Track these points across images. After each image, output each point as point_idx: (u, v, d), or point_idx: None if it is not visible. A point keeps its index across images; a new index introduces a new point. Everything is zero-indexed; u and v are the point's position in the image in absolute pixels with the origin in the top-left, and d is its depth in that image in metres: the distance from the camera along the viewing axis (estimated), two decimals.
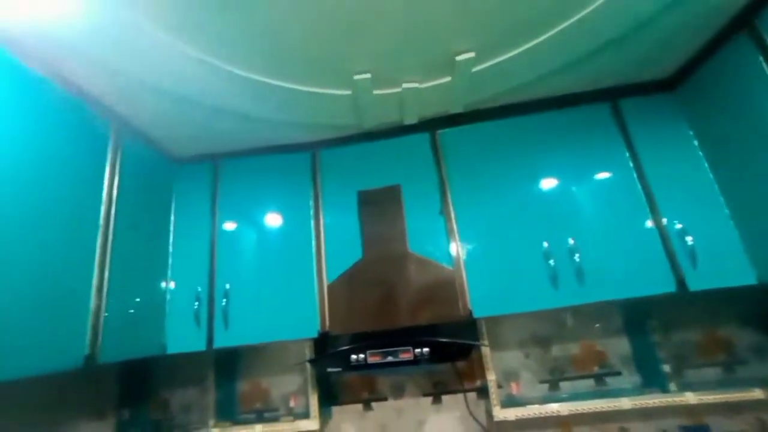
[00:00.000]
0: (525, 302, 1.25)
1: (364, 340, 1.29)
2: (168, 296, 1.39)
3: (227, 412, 1.61)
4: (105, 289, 1.08)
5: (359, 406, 1.64)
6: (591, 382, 1.54)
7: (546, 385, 1.56)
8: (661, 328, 1.47)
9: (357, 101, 1.27)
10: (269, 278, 1.39)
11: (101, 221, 1.10)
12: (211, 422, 1.53)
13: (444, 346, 1.25)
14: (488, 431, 1.53)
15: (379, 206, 1.41)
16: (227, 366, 1.69)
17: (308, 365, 1.51)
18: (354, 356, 1.27)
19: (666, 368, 1.40)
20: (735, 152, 1.20)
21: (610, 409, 1.30)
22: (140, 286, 1.26)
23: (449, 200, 1.40)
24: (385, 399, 1.64)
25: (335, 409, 1.64)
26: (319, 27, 0.96)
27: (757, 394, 1.26)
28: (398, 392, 1.63)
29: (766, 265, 1.15)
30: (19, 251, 0.85)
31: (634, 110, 1.39)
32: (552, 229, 1.30)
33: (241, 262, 1.42)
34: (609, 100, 1.43)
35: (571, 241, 1.26)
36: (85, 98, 1.12)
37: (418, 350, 1.25)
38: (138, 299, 1.24)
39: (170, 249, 1.44)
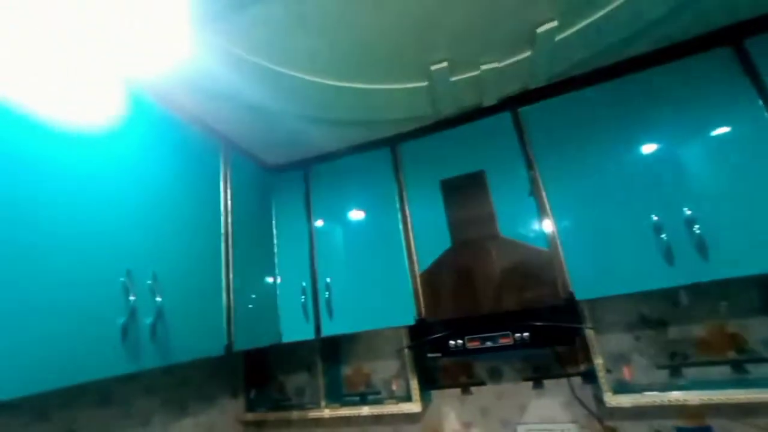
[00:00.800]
0: (635, 282, 1.15)
1: (461, 326, 1.31)
2: (278, 291, 1.56)
3: (335, 394, 1.76)
4: (231, 289, 1.26)
5: (457, 391, 1.67)
6: (726, 368, 1.36)
7: (665, 371, 1.42)
8: None
9: (434, 91, 1.28)
10: (365, 270, 1.48)
11: (222, 230, 1.28)
12: (323, 403, 1.69)
13: (545, 330, 1.21)
14: (598, 417, 1.46)
15: (463, 193, 1.41)
16: (332, 352, 1.84)
17: (407, 351, 1.58)
18: (452, 342, 1.30)
19: None
20: None
21: (757, 401, 1.14)
22: (256, 284, 1.44)
23: (539, 180, 1.33)
24: (483, 383, 1.64)
25: (434, 393, 1.69)
26: (396, 24, 0.98)
27: None
28: (496, 377, 1.63)
29: None
30: (176, 260, 1.04)
31: (761, 47, 1.17)
32: (661, 200, 1.16)
33: (338, 257, 1.53)
34: (730, 43, 1.22)
35: (687, 212, 1.12)
36: (199, 125, 1.30)
37: (518, 335, 1.23)
38: (255, 296, 1.41)
39: (275, 249, 1.61)
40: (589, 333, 1.37)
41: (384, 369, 1.80)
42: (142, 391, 1.35)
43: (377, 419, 1.76)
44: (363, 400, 1.72)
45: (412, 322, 1.37)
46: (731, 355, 1.36)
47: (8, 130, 0.72)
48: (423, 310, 1.37)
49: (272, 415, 1.77)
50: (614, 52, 1.25)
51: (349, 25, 0.95)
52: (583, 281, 1.21)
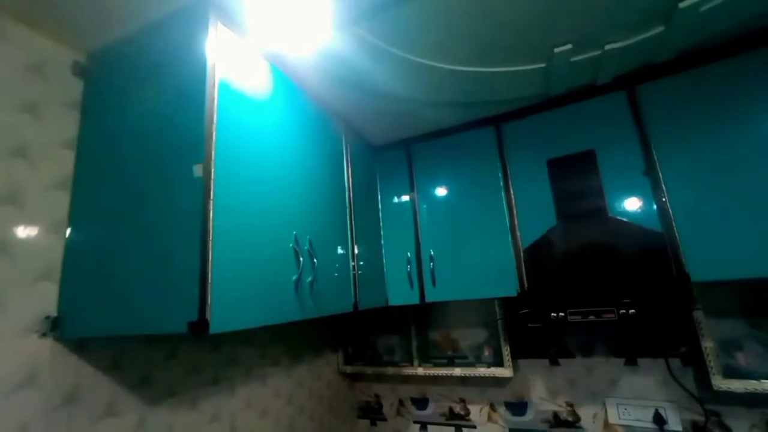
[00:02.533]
0: (758, 267, 1.12)
1: (563, 300, 1.37)
2: (384, 261, 1.72)
3: (424, 356, 1.93)
4: (356, 256, 1.44)
5: (545, 361, 1.76)
6: None
7: None
8: None
9: (550, 71, 1.29)
10: (468, 244, 1.58)
11: (347, 203, 1.45)
12: (416, 362, 1.87)
13: (653, 309, 1.23)
14: (699, 400, 1.47)
15: (571, 173, 1.43)
16: (423, 318, 2.00)
17: (499, 322, 1.69)
18: (554, 314, 1.37)
19: None
20: None
21: None
22: (369, 253, 1.61)
23: (654, 159, 1.31)
24: (573, 356, 1.71)
25: (522, 362, 1.79)
26: (528, 7, 1.01)
27: None
28: (586, 351, 1.68)
29: None
30: (321, 229, 1.22)
31: None
32: None
33: (440, 231, 1.65)
34: None
35: None
36: (325, 106, 1.45)
37: (623, 311, 1.27)
38: (370, 263, 1.58)
39: (380, 223, 1.77)
40: (698, 315, 1.37)
41: (471, 336, 1.93)
42: (272, 338, 1.61)
43: (465, 381, 1.91)
44: (451, 363, 1.87)
45: (514, 294, 1.46)
46: None
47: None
48: (525, 282, 1.44)
49: (369, 369, 1.99)
50: (754, 21, 1.17)
51: (486, 11, 1.00)
52: (699, 263, 1.20)
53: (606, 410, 1.62)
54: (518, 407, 1.79)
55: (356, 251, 1.44)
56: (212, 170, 0.80)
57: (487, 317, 1.90)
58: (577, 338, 1.71)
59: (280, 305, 0.98)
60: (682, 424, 1.49)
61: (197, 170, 0.78)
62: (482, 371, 1.70)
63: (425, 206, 1.71)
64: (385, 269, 1.72)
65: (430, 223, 1.68)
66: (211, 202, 0.78)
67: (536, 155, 1.51)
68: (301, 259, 1.06)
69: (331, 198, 1.35)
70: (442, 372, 1.78)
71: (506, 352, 1.67)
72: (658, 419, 1.52)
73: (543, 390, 1.75)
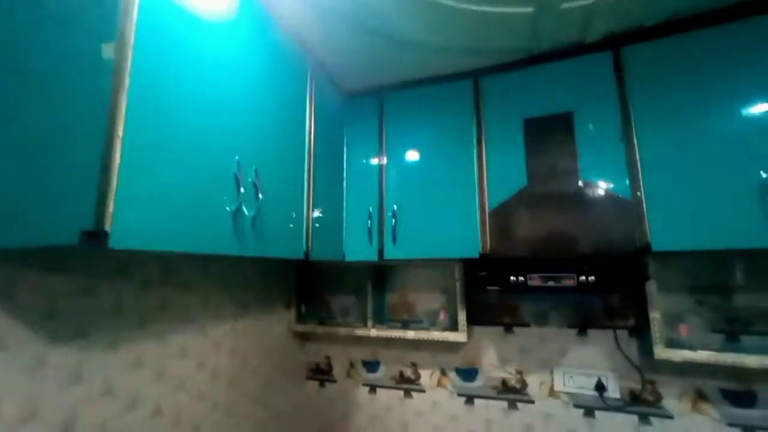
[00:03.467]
0: (724, 237, 1.12)
1: (524, 265, 1.33)
2: (345, 214, 1.62)
3: (379, 318, 1.87)
4: (312, 202, 1.32)
5: (500, 329, 1.75)
6: None
7: (721, 336, 1.43)
8: None
9: (537, 19, 1.20)
10: (433, 202, 1.50)
11: (306, 146, 1.31)
12: (370, 323, 1.81)
13: (612, 276, 1.22)
14: (639, 369, 1.51)
15: (547, 134, 1.37)
16: (379, 279, 1.93)
17: (458, 284, 1.64)
18: (513, 278, 1.33)
19: None
20: None
21: None
22: (328, 203, 1.49)
23: (632, 125, 1.27)
24: (527, 325, 1.71)
25: (476, 329, 1.77)
26: None
27: None
28: (540, 320, 1.68)
29: None
30: (272, 164, 1.08)
31: None
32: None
33: (407, 186, 1.55)
34: None
35: None
36: (294, 37, 1.29)
37: (582, 277, 1.25)
38: (327, 214, 1.47)
39: (344, 174, 1.64)
40: (650, 286, 1.38)
41: (428, 301, 1.89)
42: (218, 286, 1.48)
43: (418, 345, 1.88)
44: (405, 327, 1.83)
45: (476, 255, 1.40)
46: None
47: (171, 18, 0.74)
48: (488, 245, 1.39)
49: (321, 329, 1.92)
50: None
51: None
52: (662, 234, 1.19)
53: (553, 378, 1.64)
54: (468, 373, 1.78)
55: (312, 197, 1.32)
56: (129, 54, 0.65)
57: (446, 282, 1.86)
58: (533, 307, 1.70)
59: (213, 235, 0.85)
60: (620, 391, 1.53)
61: (107, 50, 0.62)
62: (436, 335, 1.66)
63: (393, 160, 1.60)
64: (344, 223, 1.62)
65: (396, 178, 1.58)
66: (125, 91, 0.63)
67: (513, 113, 1.44)
68: (242, 189, 0.93)
69: (288, 134, 1.21)
70: (395, 334, 1.73)
71: (462, 317, 1.63)
72: (600, 387, 1.55)
73: (494, 357, 1.75)
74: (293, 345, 2.00)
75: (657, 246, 1.19)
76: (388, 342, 1.94)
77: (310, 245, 1.28)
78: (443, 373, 1.83)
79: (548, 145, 1.36)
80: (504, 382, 1.72)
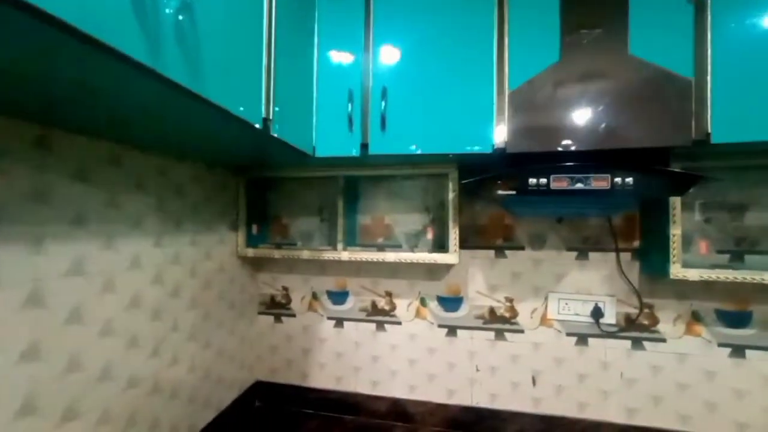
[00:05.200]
0: None
1: (546, 163, 1.06)
2: (316, 93, 1.20)
3: (348, 241, 1.56)
4: (273, 56, 0.89)
5: (491, 253, 1.53)
6: None
7: (726, 256, 1.32)
8: None
9: None
10: (437, 80, 1.14)
11: None
12: (341, 245, 1.49)
13: (656, 175, 0.99)
14: (638, 292, 1.38)
15: None
16: (350, 197, 1.59)
17: (451, 195, 1.36)
18: (534, 179, 1.06)
19: None
20: None
21: None
22: (294, 72, 1.07)
23: None
24: (522, 248, 1.50)
25: (464, 252, 1.54)
26: None
27: None
28: (538, 243, 1.48)
29: None
30: None
31: None
32: None
33: (401, 58, 1.17)
34: None
35: None
36: None
37: (618, 179, 1.00)
38: (292, 88, 1.05)
39: (315, 38, 1.21)
40: (674, 200, 1.19)
41: (409, 222, 1.61)
42: (133, 185, 1.04)
43: (394, 272, 1.62)
44: (380, 250, 1.54)
45: (489, 149, 1.10)
46: None
47: None
48: (506, 137, 1.09)
49: (278, 253, 1.56)
50: None
51: None
52: (725, 123, 0.96)
53: (547, 305, 1.47)
54: (452, 302, 1.57)
55: (274, 50, 0.90)
56: None
57: (429, 200, 1.57)
58: (531, 228, 1.48)
59: (103, 18, 0.43)
60: (616, 317, 1.40)
61: None
62: (421, 257, 1.39)
63: (385, 20, 1.18)
64: (314, 105, 1.21)
65: (388, 48, 1.18)
66: None
67: None
68: None
69: None
70: (371, 257, 1.43)
71: (454, 235, 1.37)
72: (597, 313, 1.42)
73: (483, 284, 1.54)
74: (242, 273, 1.63)
75: (718, 137, 0.96)
76: (358, 269, 1.65)
77: (271, 112, 0.88)
78: (422, 303, 1.60)
79: (591, 6, 1.04)
80: (492, 311, 1.53)
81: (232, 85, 0.74)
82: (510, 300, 1.51)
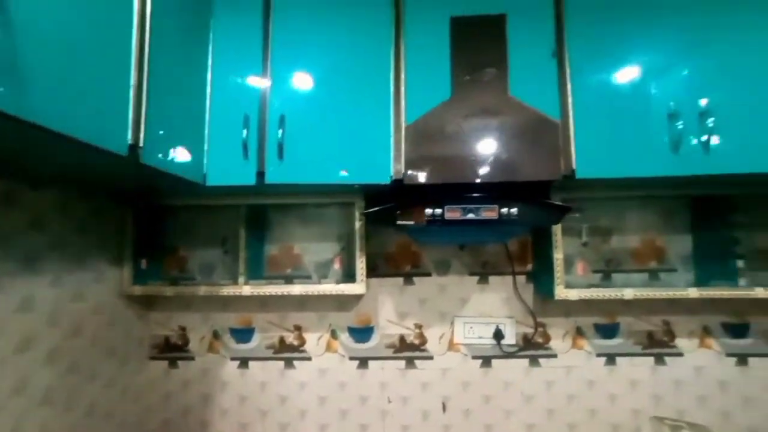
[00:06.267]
0: (638, 167, 1.09)
1: (441, 195, 1.11)
2: (209, 117, 1.13)
3: (254, 274, 1.46)
4: (145, 72, 0.81)
5: (400, 280, 1.55)
6: (644, 276, 1.48)
7: (599, 276, 1.50)
8: (744, 225, 1.40)
9: None
10: (335, 111, 1.14)
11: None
12: (242, 279, 1.39)
13: (536, 207, 1.09)
14: (533, 313, 1.49)
15: (477, 38, 1.14)
16: (256, 226, 1.51)
17: (358, 224, 1.35)
18: (429, 210, 1.10)
19: (739, 264, 1.35)
20: None
21: (667, 297, 1.25)
22: (180, 93, 0.99)
23: (564, 41, 1.14)
24: (428, 275, 1.54)
25: (373, 281, 1.54)
26: None
27: None
28: (443, 269, 1.54)
29: None
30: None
31: None
32: (682, 86, 1.09)
33: (301, 87, 1.15)
34: None
35: (703, 103, 1.07)
36: None
37: (504, 209, 1.09)
38: (177, 110, 0.97)
39: (209, 60, 1.14)
40: (556, 227, 1.33)
41: (320, 251, 1.56)
42: None
43: (303, 304, 1.55)
44: (288, 282, 1.48)
45: (387, 180, 1.12)
46: (652, 265, 1.48)
47: None
48: (402, 169, 1.12)
49: (170, 290, 1.40)
50: None
51: None
52: (587, 160, 1.10)
53: (453, 330, 1.51)
54: (363, 333, 1.54)
55: (148, 68, 0.82)
56: None
57: (341, 228, 1.56)
58: (436, 254, 1.54)
59: None
60: (515, 337, 1.49)
61: None
62: (328, 289, 1.35)
63: (284, 49, 1.17)
64: (206, 129, 1.13)
65: (287, 74, 1.16)
66: None
67: (439, 9, 1.17)
68: None
69: None
70: (276, 291, 1.35)
71: (361, 264, 1.35)
72: (498, 335, 1.49)
73: (392, 312, 1.54)
74: (125, 315, 1.43)
75: (582, 173, 1.10)
76: (265, 303, 1.55)
77: (141, 138, 0.79)
78: (333, 335, 1.54)
79: (477, 52, 1.14)
80: (402, 339, 1.53)
81: (81, 106, 0.65)
82: (419, 326, 1.53)
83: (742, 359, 1.44)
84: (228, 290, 1.37)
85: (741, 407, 1.42)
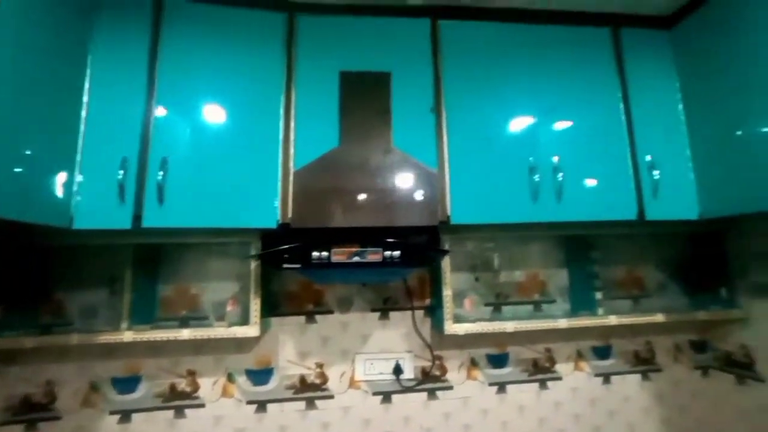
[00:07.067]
0: (504, 213, 1.22)
1: (328, 238, 1.15)
2: (81, 157, 1.06)
3: (144, 317, 1.37)
4: None
5: (302, 318, 1.54)
6: (529, 307, 1.63)
7: (490, 308, 1.62)
8: (600, 261, 1.61)
9: None
10: (222, 154, 1.14)
11: None
12: (124, 325, 1.29)
13: (415, 250, 1.17)
14: (431, 346, 1.56)
15: (364, 92, 1.23)
16: (148, 265, 1.43)
17: (252, 266, 1.34)
18: (316, 253, 1.13)
19: (598, 295, 1.54)
20: (706, 99, 1.28)
21: (545, 328, 1.40)
22: (43, 129, 0.93)
23: (442, 98, 1.27)
24: (331, 312, 1.55)
25: (274, 320, 1.51)
26: None
27: (658, 317, 1.45)
28: (345, 306, 1.56)
29: (707, 203, 1.28)
30: None
31: (631, 41, 1.39)
32: (539, 144, 1.27)
33: (186, 130, 1.14)
34: (611, 24, 1.40)
35: (555, 159, 1.25)
36: None
37: (388, 252, 1.15)
38: (36, 144, 0.91)
39: (86, 98, 1.09)
40: (444, 265, 1.42)
41: (219, 291, 1.51)
42: None
43: (198, 348, 1.47)
44: (184, 325, 1.40)
45: (273, 225, 1.14)
46: (536, 296, 1.65)
47: None
48: (289, 213, 1.15)
49: (32, 341, 1.25)
50: None
51: None
52: (461, 207, 1.22)
53: (354, 367, 1.53)
54: (261, 375, 1.49)
55: None
56: None
57: (244, 266, 1.52)
58: (338, 292, 1.56)
59: None
60: (414, 371, 1.55)
61: None
62: (220, 332, 1.30)
63: (171, 87, 1.15)
64: (76, 170, 1.06)
65: (173, 115, 1.14)
66: None
67: (330, 62, 1.25)
68: None
69: None
70: (162, 336, 1.27)
71: (255, 306, 1.33)
72: (397, 370, 1.53)
73: (293, 352, 1.52)
74: None
75: (456, 219, 1.20)
76: (156, 348, 1.45)
77: None
78: (230, 379, 1.47)
79: (364, 105, 1.22)
80: (302, 379, 1.51)
81: None
82: (320, 365, 1.52)
83: (606, 378, 1.62)
84: (106, 338, 1.26)
85: (607, 421, 1.59)
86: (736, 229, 1.54)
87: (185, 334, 1.28)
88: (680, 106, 1.37)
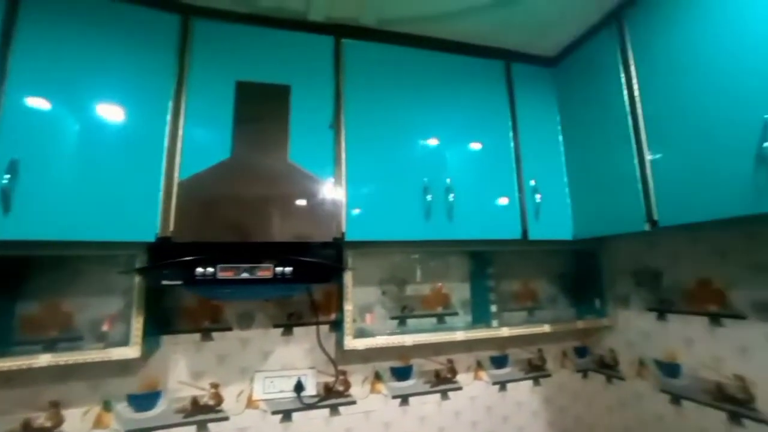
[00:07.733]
0: (398, 231, 1.26)
1: (216, 253, 1.09)
2: None
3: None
4: None
5: (197, 336, 1.44)
6: (434, 320, 1.70)
7: (396, 321, 1.65)
8: (496, 276, 1.72)
9: None
10: (95, 158, 1.03)
11: None
12: None
13: (309, 266, 1.15)
14: (334, 361, 1.55)
15: (261, 105, 1.20)
16: (4, 280, 1.24)
17: (136, 279, 1.23)
18: (200, 269, 1.07)
19: (493, 308, 1.65)
20: (577, 131, 1.45)
21: (446, 340, 1.46)
22: None
23: (342, 115, 1.28)
24: (229, 329, 1.47)
25: (165, 338, 1.40)
26: None
27: (545, 328, 1.59)
28: (246, 322, 1.49)
29: (579, 225, 1.44)
30: None
31: (521, 75, 1.53)
32: (434, 166, 1.33)
33: (48, 128, 1.01)
34: (505, 58, 1.53)
35: (448, 181, 1.32)
36: None
37: (279, 268, 1.13)
38: None
39: None
40: (347, 280, 1.42)
41: (99, 307, 1.36)
42: None
43: (68, 374, 1.30)
44: (49, 348, 1.24)
45: (151, 239, 1.05)
46: (440, 309, 1.72)
47: None
48: (171, 226, 1.07)
49: None
50: (431, 23, 1.36)
51: None
52: (357, 224, 1.23)
53: (253, 386, 1.46)
54: (146, 399, 1.36)
55: None
56: None
57: (129, 279, 1.38)
58: (239, 308, 1.49)
59: None
60: (317, 387, 1.52)
61: None
62: (92, 356, 1.16)
63: (26, 76, 1.01)
64: None
65: (30, 111, 1.00)
66: None
67: (225, 71, 1.20)
68: None
69: None
70: (10, 364, 1.10)
71: (137, 325, 1.21)
72: (299, 387, 1.49)
73: (186, 372, 1.41)
74: None
75: (351, 235, 1.21)
76: (9, 377, 1.25)
77: None
78: (106, 407, 1.32)
79: (261, 118, 1.19)
80: (195, 401, 1.40)
81: None
82: (215, 386, 1.43)
83: (503, 386, 1.73)
84: None
85: (501, 426, 1.69)
86: (605, 248, 1.75)
87: (43, 360, 1.13)
88: (560, 137, 1.53)
